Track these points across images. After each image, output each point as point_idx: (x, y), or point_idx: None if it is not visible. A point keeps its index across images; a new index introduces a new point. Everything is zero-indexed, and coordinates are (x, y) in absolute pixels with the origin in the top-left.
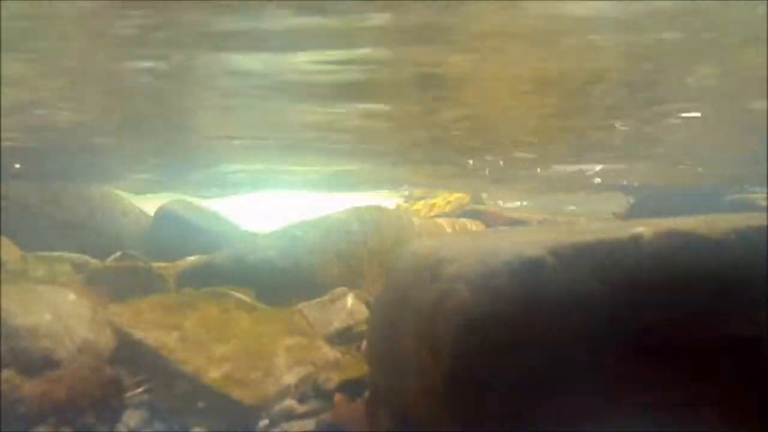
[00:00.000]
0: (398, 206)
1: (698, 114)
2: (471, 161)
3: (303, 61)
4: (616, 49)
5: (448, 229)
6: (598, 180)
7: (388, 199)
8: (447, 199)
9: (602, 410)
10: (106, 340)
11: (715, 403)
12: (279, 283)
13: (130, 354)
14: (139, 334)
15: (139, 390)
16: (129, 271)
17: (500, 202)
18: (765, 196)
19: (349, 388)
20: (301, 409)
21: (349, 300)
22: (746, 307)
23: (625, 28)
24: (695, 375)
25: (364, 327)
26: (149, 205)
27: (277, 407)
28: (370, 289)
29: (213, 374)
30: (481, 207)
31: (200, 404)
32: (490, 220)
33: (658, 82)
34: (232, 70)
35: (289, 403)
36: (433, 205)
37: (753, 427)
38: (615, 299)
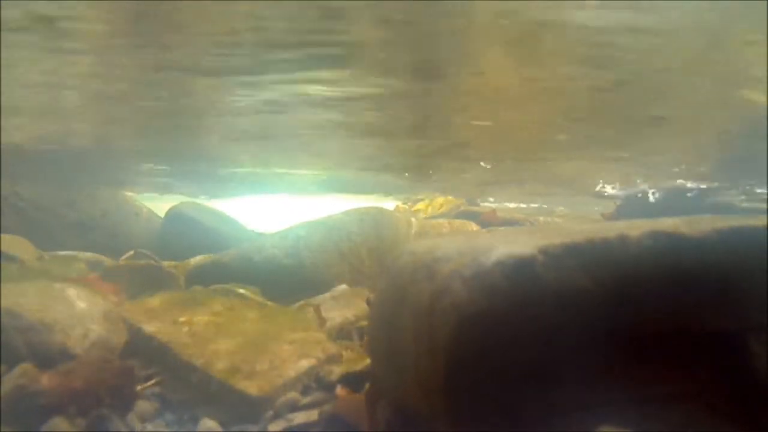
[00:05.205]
0: (397, 208)
1: None
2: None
3: None
4: None
5: (445, 230)
6: None
7: (388, 201)
8: (443, 201)
9: (596, 405)
10: (119, 335)
11: (705, 398)
12: (284, 280)
13: (142, 348)
14: (150, 329)
15: (151, 382)
16: (141, 269)
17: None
18: (744, 198)
19: (351, 380)
20: (305, 400)
21: (350, 297)
22: (730, 303)
23: None
24: (683, 370)
25: (364, 322)
26: (160, 206)
27: (282, 399)
28: (370, 286)
29: (221, 367)
30: (475, 208)
31: (209, 396)
32: (484, 220)
33: None
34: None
35: (293, 394)
36: (431, 206)
37: (742, 423)
38: (604, 296)
